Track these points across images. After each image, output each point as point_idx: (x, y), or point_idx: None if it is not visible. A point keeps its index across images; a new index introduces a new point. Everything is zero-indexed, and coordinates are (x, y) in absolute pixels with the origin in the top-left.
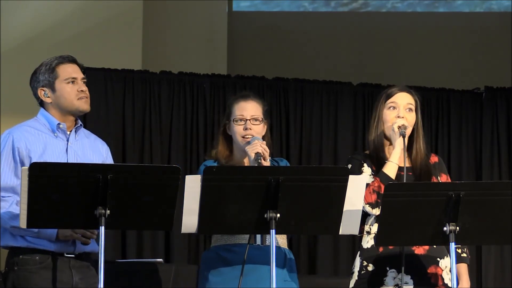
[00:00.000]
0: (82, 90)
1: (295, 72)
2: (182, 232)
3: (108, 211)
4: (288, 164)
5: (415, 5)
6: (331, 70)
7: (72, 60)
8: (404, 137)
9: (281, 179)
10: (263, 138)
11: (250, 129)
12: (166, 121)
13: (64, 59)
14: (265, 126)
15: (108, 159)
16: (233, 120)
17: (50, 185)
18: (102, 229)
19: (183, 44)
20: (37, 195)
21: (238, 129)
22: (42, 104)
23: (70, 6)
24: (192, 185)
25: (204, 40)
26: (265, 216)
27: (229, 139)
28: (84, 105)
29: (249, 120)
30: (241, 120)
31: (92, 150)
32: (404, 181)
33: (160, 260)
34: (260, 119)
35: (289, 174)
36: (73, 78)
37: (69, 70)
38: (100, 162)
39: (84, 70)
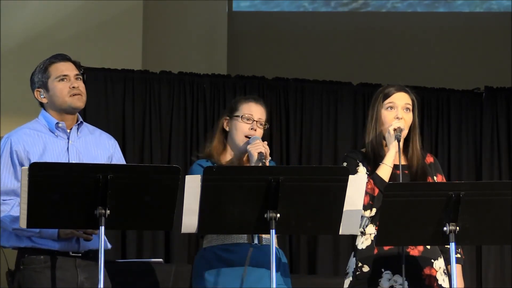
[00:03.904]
0: (74, 87)
1: (295, 72)
2: (182, 232)
3: (108, 211)
4: (275, 164)
5: (415, 5)
6: (331, 70)
7: (65, 58)
8: (399, 141)
9: (281, 179)
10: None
11: (255, 130)
12: (166, 121)
13: (56, 58)
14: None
15: (116, 154)
16: (241, 117)
17: (50, 185)
18: (102, 229)
19: (183, 44)
20: (37, 195)
21: (243, 127)
22: (42, 105)
23: (70, 6)
24: (192, 185)
25: (204, 40)
26: (265, 216)
27: (224, 136)
28: (77, 102)
29: (256, 121)
30: (248, 119)
31: (96, 146)
32: (401, 181)
33: (160, 260)
34: (264, 124)
35: (289, 174)
36: (64, 75)
37: (60, 68)
38: (105, 157)
39: (81, 67)
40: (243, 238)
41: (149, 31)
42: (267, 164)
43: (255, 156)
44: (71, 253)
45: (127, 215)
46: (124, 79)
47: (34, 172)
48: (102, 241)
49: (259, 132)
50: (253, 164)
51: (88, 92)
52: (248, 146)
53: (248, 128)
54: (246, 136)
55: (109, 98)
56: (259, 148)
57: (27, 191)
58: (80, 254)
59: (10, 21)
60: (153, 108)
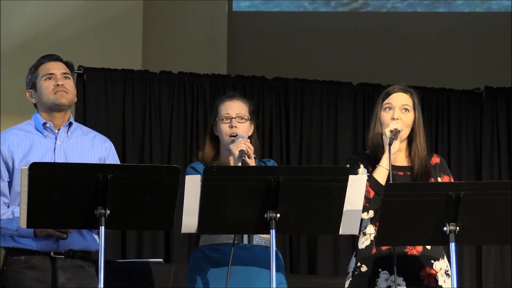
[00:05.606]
0: (58, 84)
1: (295, 72)
2: (182, 232)
3: (108, 211)
4: (276, 164)
5: (415, 5)
6: (331, 70)
7: (54, 58)
8: (390, 145)
9: (281, 179)
10: (250, 138)
11: (235, 127)
12: (166, 121)
13: (45, 58)
14: (252, 126)
15: (111, 156)
16: (219, 119)
17: (50, 185)
18: (102, 229)
19: (183, 44)
20: (37, 195)
21: (224, 128)
22: (35, 106)
23: (70, 6)
24: (192, 185)
25: (204, 40)
26: (265, 216)
27: (216, 140)
28: (61, 99)
29: (234, 118)
30: (226, 118)
31: (88, 147)
32: (390, 181)
33: (160, 260)
34: (246, 117)
35: (289, 174)
36: (51, 74)
37: (47, 67)
38: (96, 159)
39: (80, 67)
40: (231, 238)
41: (149, 31)
42: (249, 160)
43: (236, 154)
44: (52, 254)
45: (127, 215)
46: (124, 79)
47: (34, 172)
48: (102, 241)
49: (242, 127)
50: (234, 163)
51: (88, 92)
52: (230, 146)
53: (228, 127)
54: (230, 136)
55: (109, 98)
56: (240, 146)
57: (27, 191)
58: (63, 256)
59: (10, 21)
60: (153, 108)
